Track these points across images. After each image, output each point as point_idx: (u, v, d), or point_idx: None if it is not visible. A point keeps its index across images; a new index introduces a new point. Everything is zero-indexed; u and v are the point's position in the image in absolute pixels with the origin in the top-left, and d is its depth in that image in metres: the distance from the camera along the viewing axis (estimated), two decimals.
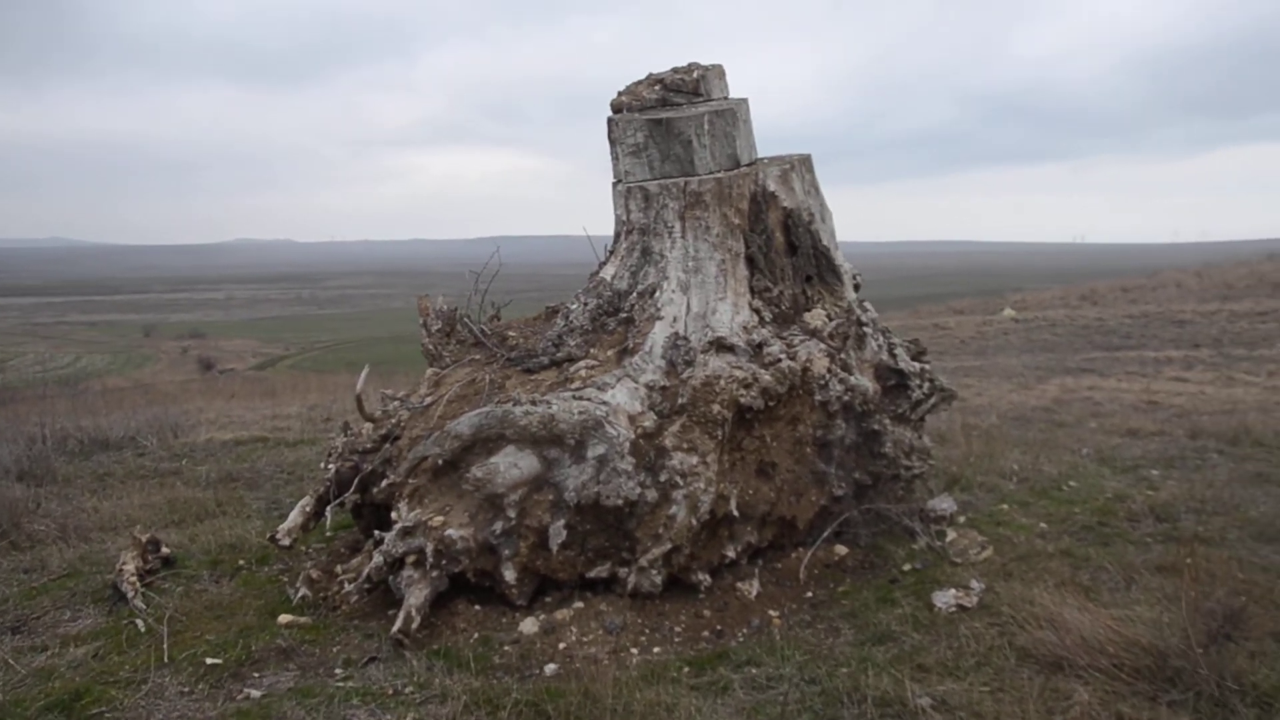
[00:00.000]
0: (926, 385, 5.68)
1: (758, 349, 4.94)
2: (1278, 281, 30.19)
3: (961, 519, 5.88)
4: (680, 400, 4.73)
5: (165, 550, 5.47)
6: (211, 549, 5.75)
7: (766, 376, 4.75)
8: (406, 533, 4.54)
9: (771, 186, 5.34)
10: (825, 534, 5.25)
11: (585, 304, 5.31)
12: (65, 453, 9.06)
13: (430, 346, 5.59)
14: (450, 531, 4.48)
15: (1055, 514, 6.10)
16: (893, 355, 5.62)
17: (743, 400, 4.69)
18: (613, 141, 5.42)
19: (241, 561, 5.54)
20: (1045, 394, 13.97)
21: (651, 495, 4.51)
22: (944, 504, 5.86)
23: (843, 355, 5.25)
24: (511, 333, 5.56)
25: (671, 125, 5.22)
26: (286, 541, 5.16)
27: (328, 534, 5.83)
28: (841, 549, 5.29)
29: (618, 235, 5.47)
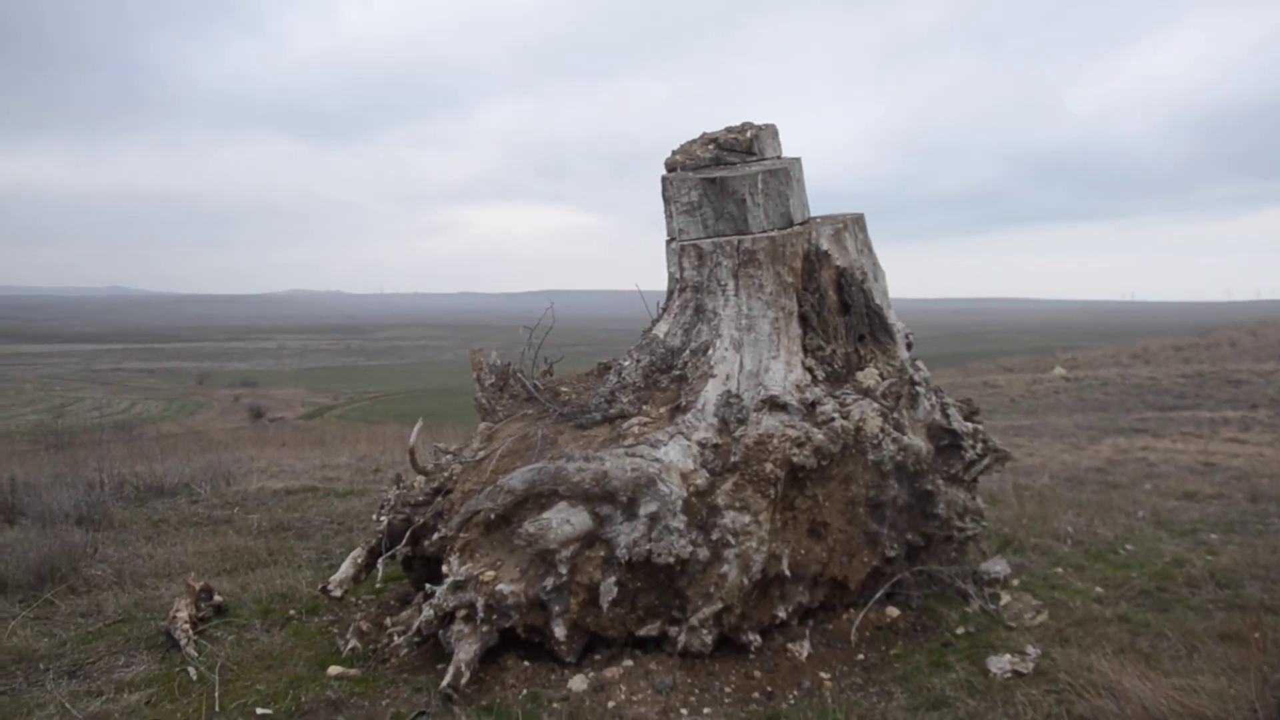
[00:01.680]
0: (979, 446, 5.63)
1: (810, 408, 4.94)
2: None
3: (1015, 582, 5.78)
4: (733, 458, 4.72)
5: (218, 598, 5.53)
6: (263, 598, 5.79)
7: (819, 435, 4.74)
8: (457, 586, 4.55)
9: (825, 245, 5.36)
10: (877, 595, 5.19)
11: (638, 360, 5.34)
12: (122, 498, 9.22)
13: (483, 400, 5.64)
14: (501, 586, 4.48)
15: (1112, 578, 5.97)
16: (945, 415, 5.58)
17: (795, 459, 4.68)
18: (667, 200, 5.48)
19: (292, 611, 5.58)
20: (1098, 454, 13.74)
21: (703, 554, 4.50)
22: (998, 566, 5.77)
23: (895, 415, 5.22)
24: (564, 388, 5.60)
25: (726, 184, 5.27)
26: (338, 593, 5.19)
27: (378, 586, 5.85)
28: (893, 611, 5.22)
29: (671, 292, 5.50)
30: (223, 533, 7.67)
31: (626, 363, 5.40)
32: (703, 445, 4.79)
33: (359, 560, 5.34)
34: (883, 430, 4.99)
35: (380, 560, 5.27)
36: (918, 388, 5.53)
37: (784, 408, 4.88)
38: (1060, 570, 6.13)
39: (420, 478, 5.46)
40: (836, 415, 4.87)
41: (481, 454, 5.23)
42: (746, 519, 4.55)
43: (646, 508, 4.50)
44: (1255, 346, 31.67)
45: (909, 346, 5.82)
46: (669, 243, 5.53)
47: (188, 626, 5.06)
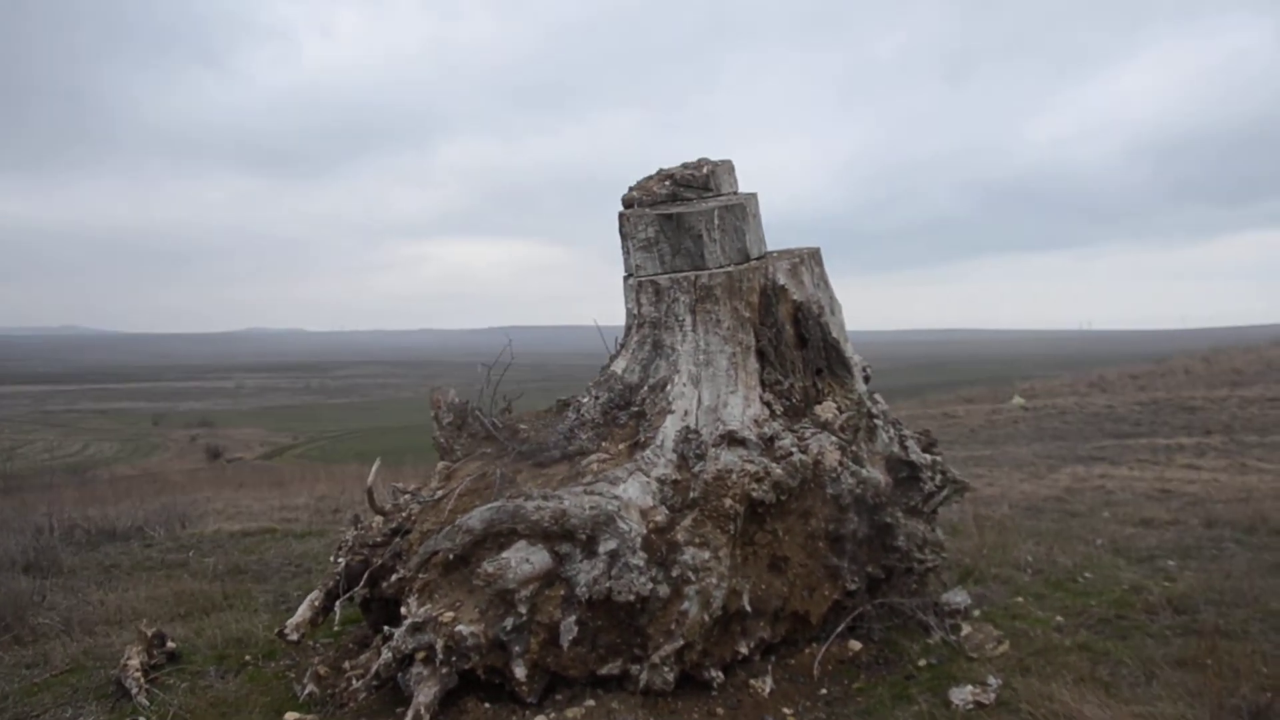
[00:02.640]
0: (938, 477, 5.66)
1: (769, 442, 4.95)
2: None
3: (976, 613, 5.80)
4: (692, 494, 4.72)
5: (171, 645, 5.42)
6: (218, 644, 5.68)
7: (778, 470, 4.75)
8: (416, 628, 4.49)
9: (782, 280, 5.39)
10: (839, 629, 5.19)
11: (596, 397, 5.33)
12: (72, 543, 9.02)
13: (442, 440, 5.60)
14: (461, 628, 4.43)
15: (1071, 606, 6.01)
16: (904, 447, 5.61)
17: (755, 494, 4.68)
18: (624, 236, 5.50)
19: (248, 657, 5.48)
20: (1057, 483, 13.88)
21: (664, 591, 4.47)
22: (958, 597, 5.78)
23: (854, 448, 5.25)
24: (523, 426, 5.58)
25: (682, 220, 5.30)
26: (294, 636, 5.11)
27: (336, 629, 5.76)
28: (855, 644, 5.21)
29: (629, 329, 5.51)
30: (177, 577, 7.53)
31: (585, 400, 5.39)
32: (662, 481, 4.78)
33: (316, 603, 5.26)
34: (841, 464, 5.01)
35: (338, 603, 5.19)
36: (876, 420, 5.56)
37: (742, 443, 4.89)
38: (1021, 600, 6.16)
39: (378, 518, 5.40)
40: (795, 449, 4.88)
41: (440, 493, 5.18)
42: (706, 555, 4.54)
43: (606, 545, 4.47)
44: (1209, 373, 32.20)
45: (866, 379, 5.86)
46: (626, 279, 5.54)
47: (139, 675, 4.95)
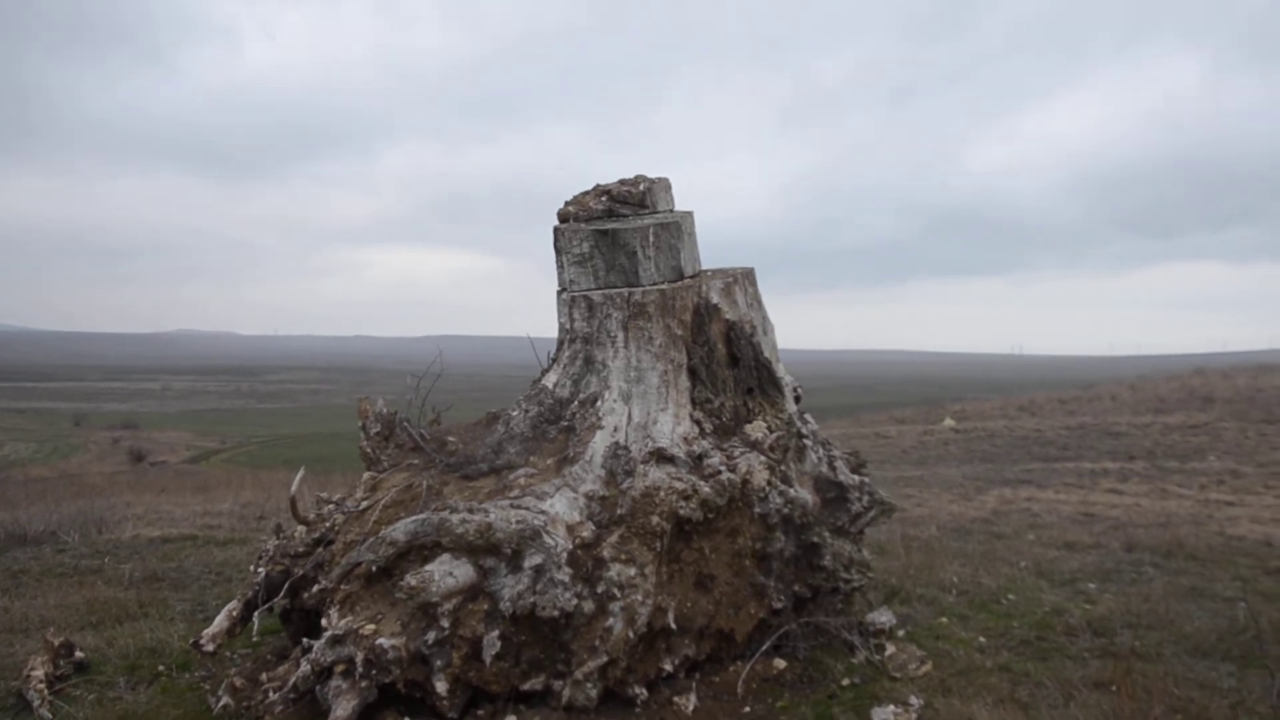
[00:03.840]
0: (866, 498, 5.71)
1: (698, 460, 4.95)
2: (1207, 395, 30.98)
3: (901, 632, 5.86)
4: (619, 511, 4.70)
5: (79, 654, 5.26)
6: (130, 653, 5.53)
7: (706, 488, 4.75)
8: (336, 641, 4.41)
9: (715, 299, 5.41)
10: (764, 647, 5.20)
11: (526, 411, 5.30)
12: None
13: (368, 450, 5.52)
14: (382, 640, 4.36)
15: (994, 628, 6.10)
16: (832, 468, 5.66)
17: (682, 512, 4.67)
18: (559, 250, 5.48)
19: (161, 667, 5.34)
20: (984, 505, 14.12)
21: (588, 607, 4.45)
22: (883, 617, 5.83)
23: (783, 467, 5.27)
24: (451, 438, 5.51)
25: (617, 236, 5.29)
26: (210, 647, 4.98)
27: (254, 640, 5.63)
28: (780, 663, 5.23)
29: (561, 343, 5.49)
30: (90, 584, 7.31)
31: (515, 413, 5.35)
32: (589, 497, 4.76)
33: (234, 613, 5.14)
34: (769, 483, 5.03)
35: (256, 613, 5.08)
36: (805, 440, 5.60)
37: (671, 460, 4.89)
38: (945, 620, 6.23)
39: (301, 528, 5.30)
40: (723, 468, 4.89)
41: (365, 504, 5.10)
42: (632, 571, 4.52)
43: (531, 560, 4.44)
44: (1134, 400, 33.00)
45: (797, 399, 5.89)
46: (560, 293, 5.52)
47: (43, 686, 4.79)
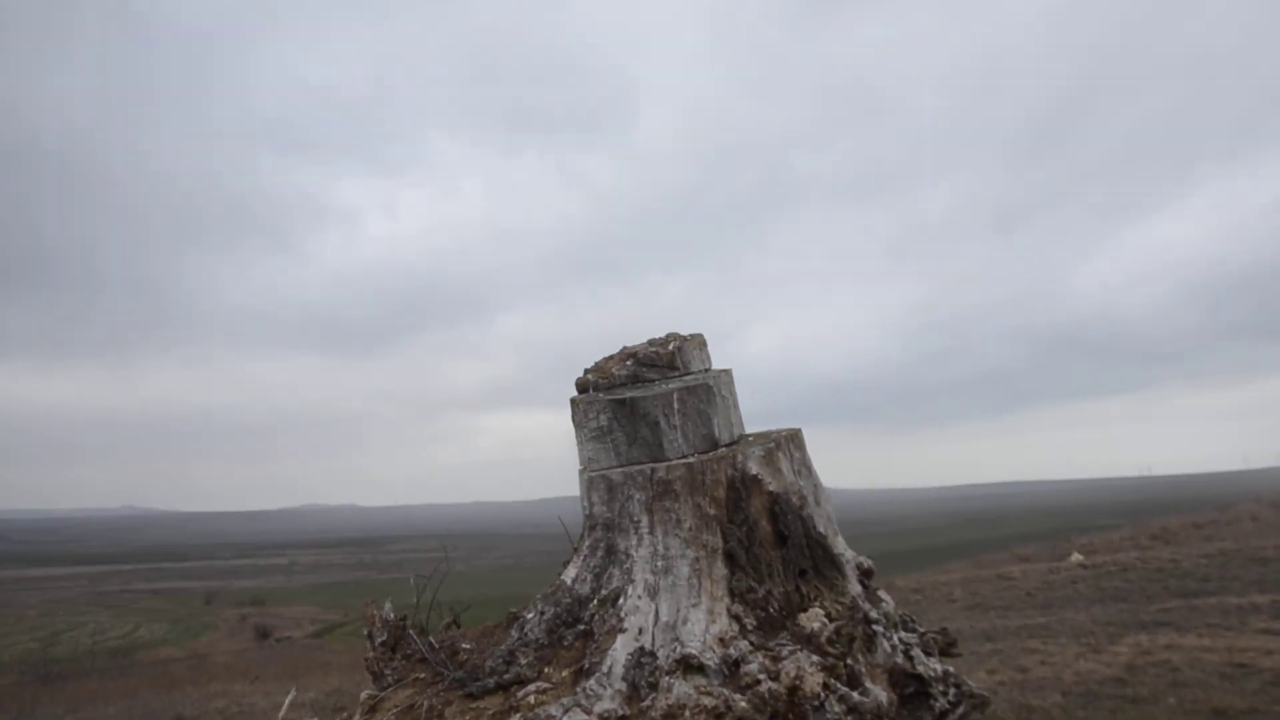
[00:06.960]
0: (951, 691, 4.81)
1: (734, 667, 4.19)
2: None
3: None
4: None
5: None
6: None
7: (742, 703, 3.98)
8: None
9: (753, 469, 4.72)
10: None
11: (542, 613, 4.62)
12: None
13: (373, 663, 4.90)
14: None
15: None
16: (909, 657, 4.80)
17: None
18: (576, 425, 4.89)
19: None
20: (1117, 658, 12.66)
21: None
22: None
23: (847, 663, 4.46)
24: (466, 645, 4.86)
25: (636, 405, 4.69)
26: None
27: None
28: None
29: (583, 531, 4.84)
30: None
31: (530, 615, 4.67)
32: (605, 718, 4.03)
33: None
34: (826, 687, 4.23)
35: None
36: (875, 626, 4.77)
37: (700, 669, 4.14)
38: None
39: None
40: (763, 676, 4.12)
41: None
42: None
43: None
44: (1278, 520, 30.42)
45: (869, 574, 5.09)
46: (580, 472, 4.90)
47: None
